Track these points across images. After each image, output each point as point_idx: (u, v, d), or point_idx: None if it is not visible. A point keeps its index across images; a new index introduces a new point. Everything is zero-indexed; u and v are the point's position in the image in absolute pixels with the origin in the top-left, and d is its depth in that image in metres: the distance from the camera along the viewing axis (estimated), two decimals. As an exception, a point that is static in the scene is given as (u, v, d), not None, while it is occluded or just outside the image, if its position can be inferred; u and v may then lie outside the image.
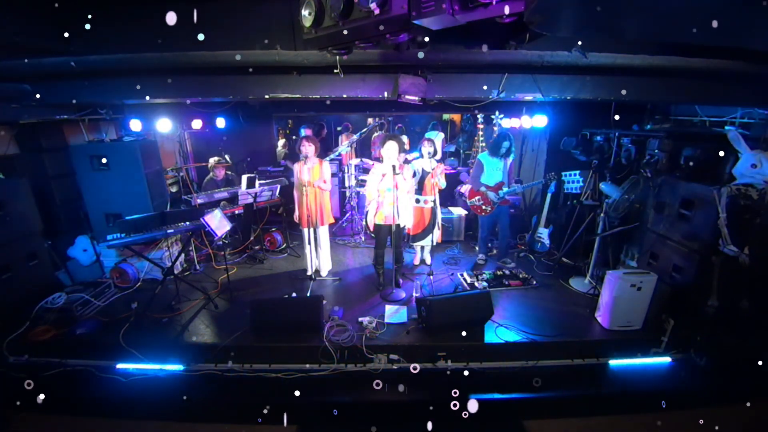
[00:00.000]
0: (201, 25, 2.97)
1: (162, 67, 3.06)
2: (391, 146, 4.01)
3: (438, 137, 7.74)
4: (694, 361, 3.54)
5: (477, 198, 4.87)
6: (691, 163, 4.00)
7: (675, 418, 3.08)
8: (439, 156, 5.08)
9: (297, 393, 3.10)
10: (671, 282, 3.96)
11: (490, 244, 5.54)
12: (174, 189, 6.08)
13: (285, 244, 5.67)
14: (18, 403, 3.12)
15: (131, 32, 3.09)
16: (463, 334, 3.41)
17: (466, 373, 3.31)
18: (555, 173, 5.06)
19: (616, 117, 4.14)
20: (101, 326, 3.77)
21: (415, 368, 3.25)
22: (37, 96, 3.41)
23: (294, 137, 8.06)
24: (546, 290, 4.52)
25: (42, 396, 3.03)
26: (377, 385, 2.95)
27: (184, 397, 3.07)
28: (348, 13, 1.88)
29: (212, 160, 5.59)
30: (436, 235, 4.86)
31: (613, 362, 3.51)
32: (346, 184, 6.48)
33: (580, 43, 2.86)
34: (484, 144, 7.03)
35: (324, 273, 4.78)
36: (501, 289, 4.49)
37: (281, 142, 7.39)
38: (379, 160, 4.54)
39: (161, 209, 4.72)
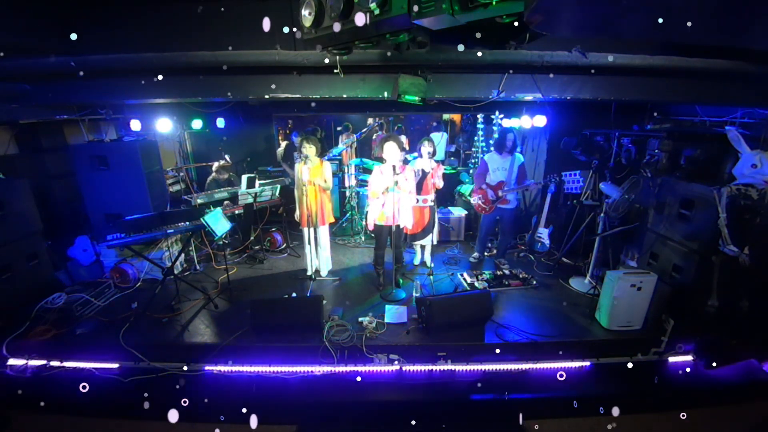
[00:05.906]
0: (200, 24, 2.98)
1: (162, 67, 3.06)
2: (391, 147, 4.01)
3: (443, 138, 7.75)
4: (694, 361, 3.55)
5: (478, 197, 4.91)
6: (695, 157, 3.98)
7: (675, 418, 3.08)
8: (440, 156, 5.08)
9: (299, 393, 3.08)
10: (671, 282, 3.97)
11: (490, 244, 5.54)
12: (176, 188, 6.09)
13: (285, 244, 5.67)
14: (18, 403, 3.12)
15: (131, 32, 3.09)
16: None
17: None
18: (557, 174, 4.95)
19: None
20: (101, 326, 3.77)
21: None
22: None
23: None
24: (546, 290, 4.52)
25: (42, 396, 3.03)
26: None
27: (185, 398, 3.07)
28: (348, 13, 1.88)
29: (216, 164, 5.62)
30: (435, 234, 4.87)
31: (613, 362, 3.50)
32: (347, 184, 6.48)
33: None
34: (484, 144, 7.04)
35: (324, 273, 4.77)
36: (501, 289, 4.49)
37: (284, 144, 7.39)
38: (379, 159, 4.53)
39: (161, 209, 4.72)
